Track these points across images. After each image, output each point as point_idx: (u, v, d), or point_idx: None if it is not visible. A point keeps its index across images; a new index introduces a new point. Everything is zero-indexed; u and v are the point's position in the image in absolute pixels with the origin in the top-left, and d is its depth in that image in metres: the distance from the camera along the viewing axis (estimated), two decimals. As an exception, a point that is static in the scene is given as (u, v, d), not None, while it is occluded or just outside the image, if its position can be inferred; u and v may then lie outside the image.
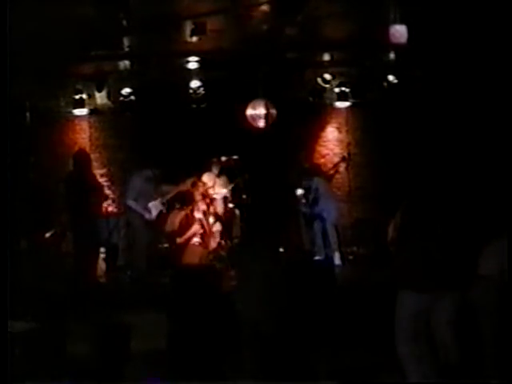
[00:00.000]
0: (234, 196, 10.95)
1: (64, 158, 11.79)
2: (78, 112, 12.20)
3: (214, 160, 11.11)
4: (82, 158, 10.03)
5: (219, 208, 10.85)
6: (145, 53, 10.59)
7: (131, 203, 10.37)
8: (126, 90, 11.74)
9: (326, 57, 11.76)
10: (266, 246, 6.94)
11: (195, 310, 7.48)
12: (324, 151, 12.66)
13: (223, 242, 10.71)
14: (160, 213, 10.40)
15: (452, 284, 6.60)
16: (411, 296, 6.25)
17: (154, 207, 10.39)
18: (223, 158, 11.04)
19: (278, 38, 9.73)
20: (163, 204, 10.42)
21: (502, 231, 7.24)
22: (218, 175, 11.08)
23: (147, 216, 10.33)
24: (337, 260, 10.73)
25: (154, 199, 10.36)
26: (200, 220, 10.57)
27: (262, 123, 11.34)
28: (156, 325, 7.42)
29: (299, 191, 11.04)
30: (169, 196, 10.43)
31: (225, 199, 10.87)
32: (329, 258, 10.58)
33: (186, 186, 10.27)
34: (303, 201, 10.97)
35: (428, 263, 6.28)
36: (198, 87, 11.79)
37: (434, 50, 10.42)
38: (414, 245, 6.40)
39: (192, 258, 10.33)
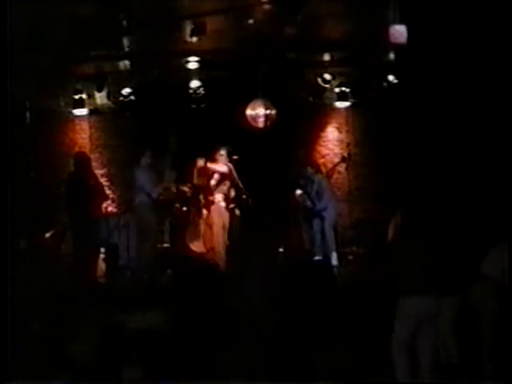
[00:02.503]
0: (235, 196, 10.94)
1: (64, 158, 11.81)
2: (77, 112, 12.19)
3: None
4: (83, 159, 10.03)
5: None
6: (145, 53, 10.59)
7: (144, 198, 10.24)
8: (126, 90, 11.73)
9: (326, 57, 11.75)
10: (266, 246, 6.95)
11: (195, 309, 7.49)
12: (324, 151, 12.64)
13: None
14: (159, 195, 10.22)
15: (452, 285, 6.62)
16: (410, 298, 6.26)
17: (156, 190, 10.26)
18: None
19: (277, 38, 9.73)
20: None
21: (503, 232, 7.26)
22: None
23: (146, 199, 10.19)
24: (334, 260, 10.72)
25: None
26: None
27: (261, 123, 11.34)
28: (156, 325, 7.42)
29: (299, 191, 11.03)
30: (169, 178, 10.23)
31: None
32: (326, 258, 10.58)
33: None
34: (303, 200, 10.95)
35: (427, 264, 6.29)
36: (198, 87, 11.78)
37: (434, 49, 10.42)
38: (413, 245, 6.41)
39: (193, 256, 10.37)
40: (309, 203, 10.87)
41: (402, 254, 6.41)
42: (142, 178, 10.18)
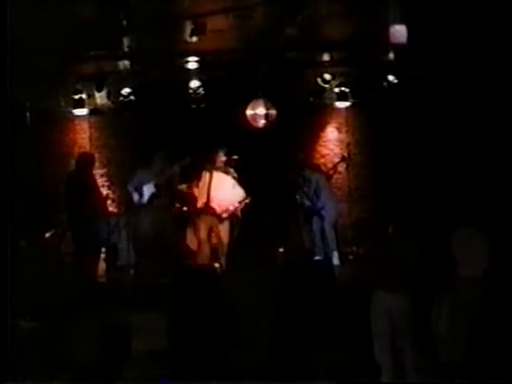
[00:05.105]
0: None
1: (64, 158, 11.82)
2: (77, 112, 12.18)
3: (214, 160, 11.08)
4: (85, 160, 10.06)
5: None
6: (145, 53, 10.59)
7: (129, 188, 10.27)
8: (126, 90, 11.73)
9: (326, 57, 11.76)
10: (265, 246, 6.95)
11: (195, 309, 7.49)
12: (324, 151, 12.64)
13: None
14: (152, 196, 10.22)
15: (438, 286, 6.68)
16: (382, 293, 6.32)
17: (147, 189, 10.27)
18: (223, 158, 11.02)
19: (278, 38, 9.73)
20: (156, 186, 10.22)
21: (486, 233, 7.31)
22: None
23: (136, 199, 10.19)
24: (335, 260, 10.72)
25: (149, 182, 10.23)
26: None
27: (261, 123, 11.34)
28: (156, 325, 7.42)
29: (299, 191, 11.03)
30: (164, 177, 10.23)
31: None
32: (327, 258, 10.57)
33: (180, 165, 10.20)
34: (303, 200, 10.95)
35: (403, 262, 6.34)
36: (198, 87, 11.78)
37: (434, 49, 10.42)
38: (394, 243, 6.46)
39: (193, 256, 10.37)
40: (307, 202, 10.87)
41: (382, 250, 6.50)
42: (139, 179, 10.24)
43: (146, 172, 10.31)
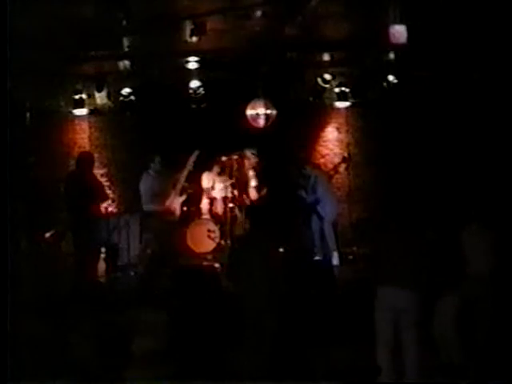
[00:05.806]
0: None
1: (64, 158, 11.82)
2: (77, 112, 12.18)
3: (214, 160, 11.10)
4: (86, 159, 10.05)
5: (219, 208, 10.87)
6: (145, 53, 10.59)
7: (149, 207, 10.25)
8: (126, 90, 11.74)
9: (326, 57, 11.76)
10: (266, 246, 6.96)
11: (195, 309, 7.50)
12: (324, 151, 12.64)
13: (223, 241, 10.73)
14: (182, 205, 10.43)
15: (443, 285, 6.67)
16: (385, 290, 6.32)
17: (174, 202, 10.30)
18: (223, 158, 11.04)
19: (278, 38, 9.74)
20: (180, 195, 10.34)
21: (491, 232, 7.31)
22: (219, 175, 11.08)
23: (170, 214, 10.23)
24: (335, 260, 10.71)
25: (167, 196, 10.23)
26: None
27: (261, 123, 11.34)
28: (156, 324, 7.42)
29: (298, 190, 11.02)
30: (180, 184, 10.31)
31: (224, 199, 10.87)
32: (327, 258, 10.56)
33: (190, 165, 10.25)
34: (302, 195, 10.94)
35: (406, 259, 6.34)
36: (198, 87, 11.79)
37: (434, 50, 10.43)
38: (400, 243, 6.46)
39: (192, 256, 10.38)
40: (305, 196, 10.85)
41: (384, 249, 6.49)
42: (145, 187, 10.24)
43: (152, 180, 10.28)
